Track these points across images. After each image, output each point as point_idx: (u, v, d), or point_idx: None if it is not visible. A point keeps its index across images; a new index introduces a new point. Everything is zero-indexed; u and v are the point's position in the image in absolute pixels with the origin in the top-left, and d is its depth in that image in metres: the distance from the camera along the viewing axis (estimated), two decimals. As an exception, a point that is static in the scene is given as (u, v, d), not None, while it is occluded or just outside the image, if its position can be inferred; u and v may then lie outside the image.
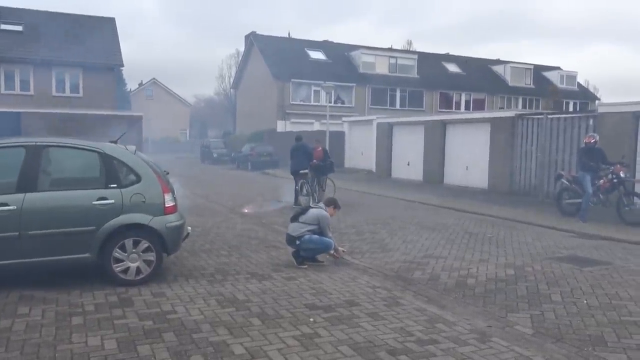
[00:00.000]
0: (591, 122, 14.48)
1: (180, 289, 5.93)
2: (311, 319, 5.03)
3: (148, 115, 31.56)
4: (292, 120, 37.62)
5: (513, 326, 5.06)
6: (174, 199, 6.42)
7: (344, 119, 30.03)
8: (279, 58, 38.87)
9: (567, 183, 12.52)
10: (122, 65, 29.42)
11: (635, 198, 11.34)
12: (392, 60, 42.37)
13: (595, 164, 11.63)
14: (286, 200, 14.14)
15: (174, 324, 4.82)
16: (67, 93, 27.27)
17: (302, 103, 38.72)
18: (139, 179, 6.06)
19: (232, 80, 52.04)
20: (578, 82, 50.87)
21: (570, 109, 45.66)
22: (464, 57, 47.98)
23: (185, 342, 4.41)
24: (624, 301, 5.88)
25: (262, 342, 4.44)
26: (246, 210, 12.44)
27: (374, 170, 25.13)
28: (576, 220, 11.46)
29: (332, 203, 7.73)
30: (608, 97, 72.62)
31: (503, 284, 6.58)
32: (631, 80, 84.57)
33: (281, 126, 37.26)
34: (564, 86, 47.99)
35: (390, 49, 45.62)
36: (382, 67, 41.73)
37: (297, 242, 7.24)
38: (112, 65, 28.53)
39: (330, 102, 30.19)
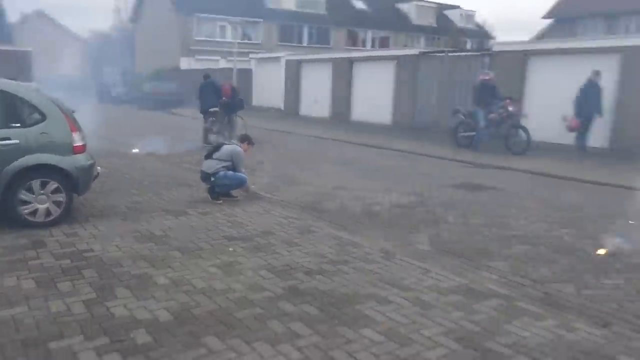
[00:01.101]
0: (487, 60, 15.46)
1: (94, 229, 5.90)
2: (230, 249, 5.29)
3: (36, 51, 28.96)
4: (197, 57, 36.25)
5: (414, 245, 5.64)
6: (83, 138, 6.24)
7: (251, 56, 29.46)
8: (180, -10, 36.78)
9: (463, 117, 13.48)
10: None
11: (520, 130, 12.48)
12: (300, -5, 41.60)
13: (489, 99, 12.59)
14: (195, 139, 13.96)
15: (92, 261, 4.86)
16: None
17: (207, 39, 37.29)
18: (44, 117, 5.80)
19: (129, 14, 48.62)
20: (476, 21, 53.03)
21: (469, 47, 47.78)
22: (370, -7, 48.09)
23: (107, 277, 4.50)
24: (506, 219, 6.71)
25: (185, 272, 4.64)
26: (135, 150, 12.13)
27: (282, 107, 25.21)
28: (470, 151, 12.47)
29: (246, 139, 7.85)
30: (503, 36, 76.51)
31: (405, 209, 7.19)
32: (526, 20, 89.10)
33: (185, 63, 35.84)
34: (463, 25, 49.87)
35: (297, -17, 44.58)
36: (289, 2, 40.90)
37: (212, 179, 7.36)
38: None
39: (236, 39, 29.37)
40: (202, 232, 5.84)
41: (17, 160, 5.61)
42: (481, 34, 52.48)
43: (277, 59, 26.44)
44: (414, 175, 9.69)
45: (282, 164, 10.71)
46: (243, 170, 7.60)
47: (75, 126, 6.13)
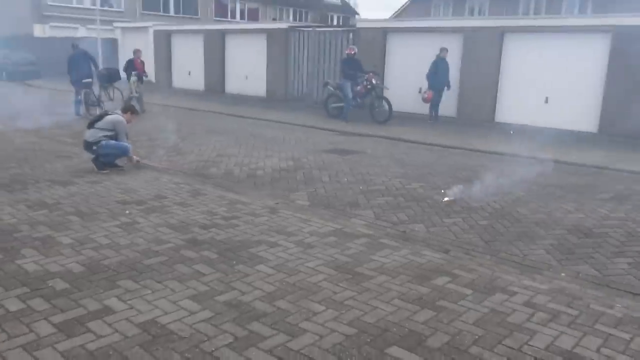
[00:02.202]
0: (351, 35, 16.64)
1: (-21, 200, 5.88)
2: (127, 211, 5.65)
3: None
4: (52, 23, 33.51)
5: (295, 201, 6.45)
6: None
7: (115, 24, 28.02)
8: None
9: (332, 89, 14.54)
10: None
11: (383, 101, 13.83)
12: (165, -39, 39.97)
13: (354, 73, 13.74)
14: (65, 112, 13.42)
15: (-13, 229, 4.97)
16: None
17: (62, 4, 34.55)
18: None
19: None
20: (341, -3, 54.97)
21: (335, 22, 49.58)
22: (238, -36, 47.55)
23: (8, 240, 4.68)
24: (371, 177, 7.79)
25: (87, 232, 4.97)
26: None
27: (153, 80, 24.52)
28: (339, 121, 13.60)
29: (129, 109, 8.00)
30: (365, 12, 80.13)
31: (285, 172, 7.98)
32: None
33: (39, 31, 32.97)
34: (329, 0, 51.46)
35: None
36: (152, -31, 39.14)
37: (94, 148, 7.46)
38: None
39: (96, 5, 27.80)
40: (95, 199, 6.10)
41: None
42: (346, 9, 54.62)
43: (144, 29, 25.50)
44: (290, 143, 10.50)
45: (163, 135, 10.88)
46: (125, 140, 7.77)
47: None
